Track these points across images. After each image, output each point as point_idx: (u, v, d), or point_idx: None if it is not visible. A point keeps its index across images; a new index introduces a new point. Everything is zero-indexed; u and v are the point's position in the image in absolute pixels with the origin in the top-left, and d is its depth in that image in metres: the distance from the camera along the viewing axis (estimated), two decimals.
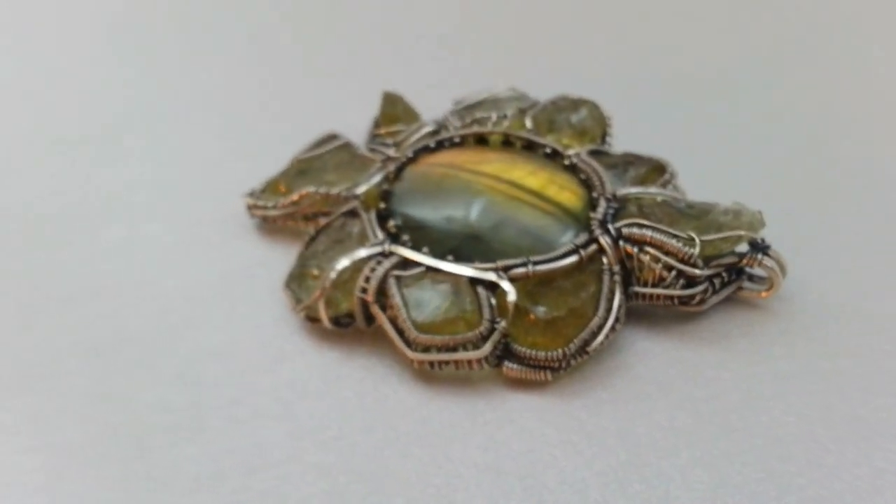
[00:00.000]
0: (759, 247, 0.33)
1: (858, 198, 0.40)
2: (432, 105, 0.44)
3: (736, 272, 0.34)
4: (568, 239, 0.35)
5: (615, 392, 0.33)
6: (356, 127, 0.44)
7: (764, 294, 0.34)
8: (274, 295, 0.38)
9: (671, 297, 0.33)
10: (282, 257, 0.39)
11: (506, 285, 0.33)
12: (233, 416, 0.34)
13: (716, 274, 0.34)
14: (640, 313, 0.35)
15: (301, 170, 0.40)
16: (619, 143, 0.41)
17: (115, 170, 0.45)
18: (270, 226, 0.40)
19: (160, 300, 0.38)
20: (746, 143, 0.44)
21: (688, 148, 0.42)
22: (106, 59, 0.53)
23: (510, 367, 0.33)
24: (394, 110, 0.41)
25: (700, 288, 0.33)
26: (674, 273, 0.33)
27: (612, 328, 0.33)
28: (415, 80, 0.47)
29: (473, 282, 0.33)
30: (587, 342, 0.32)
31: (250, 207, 0.40)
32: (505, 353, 0.33)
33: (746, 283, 0.34)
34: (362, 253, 0.35)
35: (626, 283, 0.34)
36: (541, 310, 0.32)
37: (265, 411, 0.34)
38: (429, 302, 0.33)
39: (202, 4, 0.56)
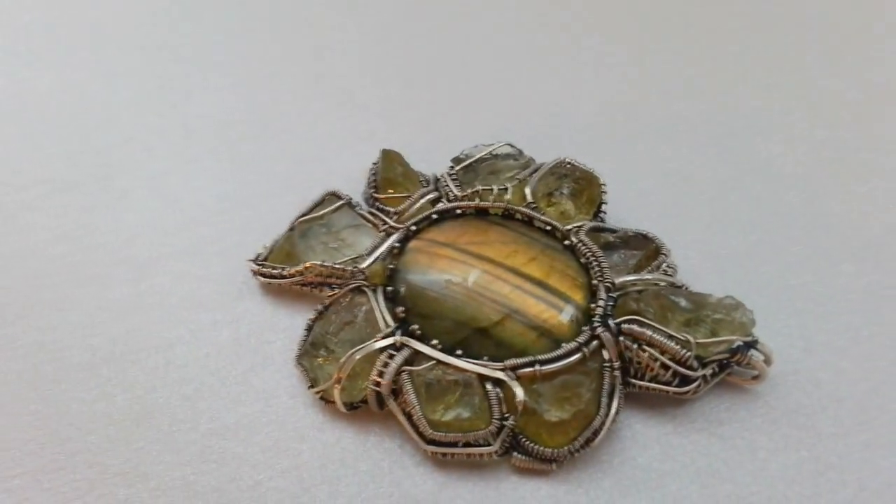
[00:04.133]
0: (748, 344, 0.36)
1: (852, 280, 0.42)
2: (428, 151, 0.45)
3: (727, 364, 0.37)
4: (567, 321, 0.37)
5: (615, 480, 0.36)
6: (352, 170, 0.45)
7: (752, 381, 0.37)
8: (286, 366, 0.39)
9: (666, 391, 0.36)
10: (289, 321, 0.41)
11: (516, 388, 0.35)
12: (258, 499, 0.36)
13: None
14: (636, 396, 0.37)
15: (303, 231, 0.41)
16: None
17: (112, 216, 0.45)
18: (275, 288, 0.41)
19: (174, 368, 0.40)
20: (738, 218, 0.44)
21: (674, 210, 0.43)
22: (97, 96, 0.51)
23: (518, 457, 0.35)
24: (393, 173, 0.42)
25: (694, 385, 0.36)
26: (670, 371, 0.35)
27: (613, 421, 0.35)
28: (410, 125, 0.47)
29: (482, 377, 0.36)
30: (590, 440, 0.35)
31: (255, 273, 0.41)
32: (513, 443, 0.36)
33: (735, 368, 0.37)
34: (375, 345, 0.36)
35: (624, 373, 0.36)
36: (548, 412, 0.35)
37: (288, 495, 0.36)
38: (443, 403, 0.35)
39: (199, 44, 0.54)
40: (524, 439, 0.35)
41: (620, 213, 0.42)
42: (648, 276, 0.38)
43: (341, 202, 0.42)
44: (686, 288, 0.38)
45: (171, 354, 0.40)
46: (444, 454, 0.35)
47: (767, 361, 0.36)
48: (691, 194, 0.45)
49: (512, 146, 0.43)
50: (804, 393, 0.37)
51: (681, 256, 0.40)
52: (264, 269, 0.40)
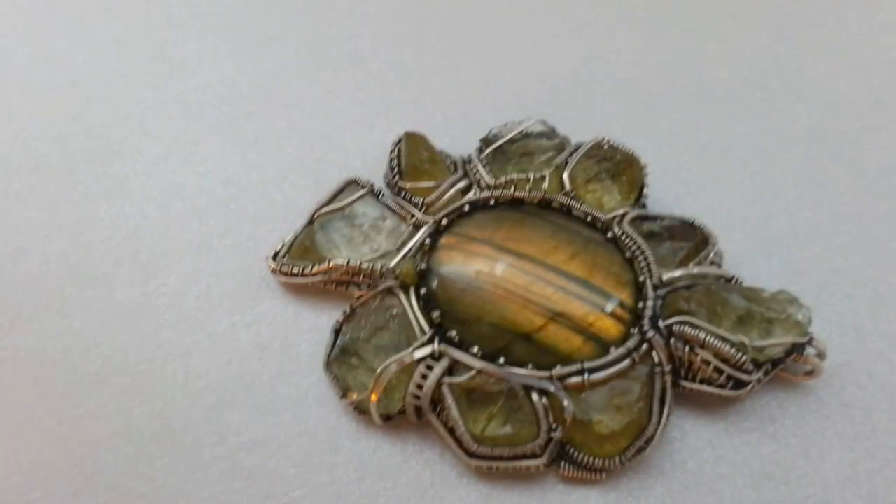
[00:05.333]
0: (804, 342, 0.34)
1: None
2: (448, 121, 0.41)
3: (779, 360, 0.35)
4: (608, 313, 0.35)
5: (667, 486, 0.34)
6: (368, 147, 0.42)
7: (805, 377, 0.35)
8: (314, 372, 0.37)
9: (719, 393, 0.34)
10: (313, 321, 0.38)
11: (565, 401, 0.33)
12: None
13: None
14: (685, 395, 0.35)
15: (323, 224, 0.38)
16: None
17: (111, 207, 0.41)
18: (296, 286, 0.39)
19: (194, 377, 0.37)
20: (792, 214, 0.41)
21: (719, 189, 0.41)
22: (84, 68, 0.46)
23: (567, 468, 0.34)
24: (418, 159, 0.39)
25: (748, 388, 0.34)
26: (724, 374, 0.34)
27: (664, 427, 0.34)
28: (427, 93, 0.44)
29: (527, 387, 0.34)
30: (642, 449, 0.33)
31: (274, 271, 0.38)
32: (560, 453, 0.34)
33: (788, 364, 0.35)
34: (413, 355, 0.34)
35: (674, 375, 0.35)
36: (598, 423, 0.33)
37: None
38: (486, 414, 0.33)
39: (195, 7, 0.49)
40: (572, 449, 0.34)
41: (655, 191, 0.40)
42: (696, 270, 0.36)
43: (363, 191, 0.39)
44: (737, 280, 0.36)
45: (190, 362, 0.37)
46: (489, 467, 0.34)
47: (821, 357, 0.35)
48: (730, 167, 0.42)
49: (544, 123, 0.40)
50: (858, 386, 0.36)
51: (722, 238, 0.37)
52: (284, 268, 0.38)
